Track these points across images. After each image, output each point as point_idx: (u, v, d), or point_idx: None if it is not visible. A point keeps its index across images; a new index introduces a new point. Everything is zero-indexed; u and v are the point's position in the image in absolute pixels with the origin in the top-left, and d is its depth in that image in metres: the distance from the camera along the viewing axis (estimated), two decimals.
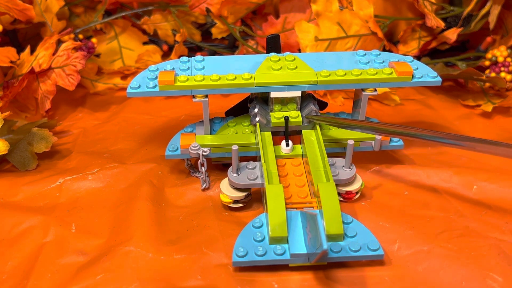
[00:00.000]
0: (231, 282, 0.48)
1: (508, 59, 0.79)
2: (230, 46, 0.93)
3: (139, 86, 0.56)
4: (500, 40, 0.84)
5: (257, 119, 0.58)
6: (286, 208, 0.49)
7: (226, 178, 0.56)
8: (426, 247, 0.51)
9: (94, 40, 0.85)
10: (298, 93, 0.58)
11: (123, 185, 0.61)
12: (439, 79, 0.59)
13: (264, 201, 0.53)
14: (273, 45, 0.62)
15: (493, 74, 0.79)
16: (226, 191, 0.55)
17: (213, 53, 0.92)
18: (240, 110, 0.64)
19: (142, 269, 0.49)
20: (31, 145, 0.65)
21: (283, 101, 0.59)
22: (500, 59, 0.79)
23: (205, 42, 0.93)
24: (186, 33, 0.88)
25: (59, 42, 0.79)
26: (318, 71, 0.58)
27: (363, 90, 0.59)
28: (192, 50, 0.94)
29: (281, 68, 0.58)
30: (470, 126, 0.74)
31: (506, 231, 0.53)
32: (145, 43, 0.91)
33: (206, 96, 0.57)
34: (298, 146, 0.59)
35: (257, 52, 0.85)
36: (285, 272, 0.48)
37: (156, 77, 0.57)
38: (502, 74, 0.79)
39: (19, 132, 0.67)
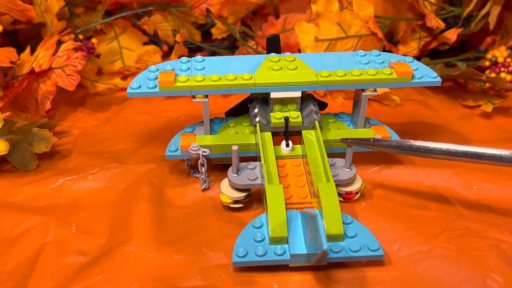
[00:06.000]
0: (231, 282, 0.48)
1: (508, 60, 0.79)
2: (230, 46, 0.93)
3: (139, 87, 0.56)
4: (500, 40, 0.84)
5: (257, 119, 0.58)
6: (286, 209, 0.49)
7: (226, 178, 0.56)
8: (426, 247, 0.51)
9: (94, 40, 0.85)
10: (298, 94, 0.58)
11: (123, 185, 0.61)
12: (439, 79, 0.59)
13: (264, 201, 0.53)
14: (273, 45, 0.62)
15: (493, 75, 0.79)
16: (226, 191, 0.55)
17: (213, 54, 0.92)
18: (240, 111, 0.64)
19: (142, 269, 0.49)
20: (31, 145, 0.65)
21: (283, 102, 0.59)
22: (500, 60, 0.79)
23: (205, 43, 0.93)
24: (186, 34, 0.88)
25: (59, 43, 0.79)
26: (318, 72, 0.58)
27: (363, 90, 0.59)
28: (192, 50, 0.94)
29: (281, 68, 0.58)
30: (470, 126, 0.74)
31: (506, 231, 0.53)
32: (145, 44, 0.92)
33: (206, 96, 0.57)
34: (298, 147, 0.59)
35: (257, 52, 0.85)
36: (285, 272, 0.48)
37: (156, 78, 0.57)
38: (502, 75, 0.79)
39: (19, 133, 0.67)
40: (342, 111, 0.66)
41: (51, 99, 0.74)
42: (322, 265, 0.49)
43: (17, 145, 0.65)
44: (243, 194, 0.55)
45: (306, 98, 0.61)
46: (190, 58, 0.61)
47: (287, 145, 0.58)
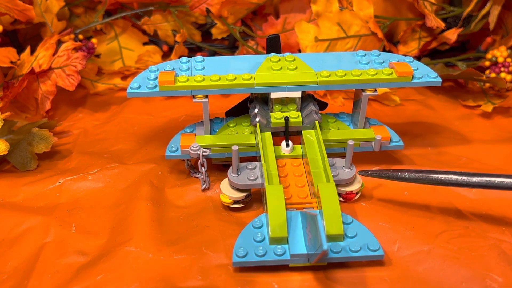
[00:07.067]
0: (231, 282, 0.48)
1: (508, 60, 0.79)
2: (230, 46, 0.93)
3: (139, 87, 0.56)
4: (500, 40, 0.84)
5: (257, 119, 0.58)
6: (286, 209, 0.49)
7: (226, 178, 0.56)
8: (426, 247, 0.51)
9: (94, 40, 0.85)
10: (298, 94, 0.58)
11: (123, 185, 0.61)
12: (439, 79, 0.59)
13: (264, 201, 0.53)
14: (273, 45, 0.62)
15: (493, 75, 0.79)
16: (226, 191, 0.55)
17: (213, 54, 0.92)
18: (240, 111, 0.64)
19: (142, 269, 0.49)
20: (31, 145, 0.65)
21: (283, 102, 0.59)
22: (500, 60, 0.79)
23: (205, 43, 0.93)
24: (186, 34, 0.88)
25: (59, 43, 0.79)
26: (318, 72, 0.58)
27: (363, 90, 0.59)
28: (192, 50, 0.94)
29: (281, 68, 0.58)
30: (470, 126, 0.74)
31: (506, 231, 0.53)
32: (145, 44, 0.91)
33: (206, 96, 0.57)
34: (298, 147, 0.59)
35: (257, 52, 0.85)
36: (285, 272, 0.48)
37: (156, 78, 0.57)
38: (502, 75, 0.79)
39: (19, 133, 0.67)
40: (342, 111, 0.66)
41: (51, 99, 0.74)
42: (322, 265, 0.49)
43: (17, 145, 0.65)
44: (243, 194, 0.55)
45: (306, 98, 0.61)
46: (190, 58, 0.60)
47: (287, 145, 0.58)
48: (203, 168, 0.58)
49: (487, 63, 0.81)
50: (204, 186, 0.60)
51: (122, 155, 0.67)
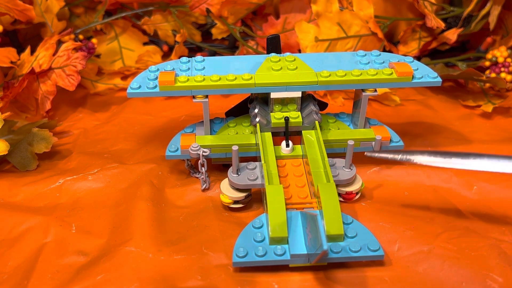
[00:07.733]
0: (231, 282, 0.48)
1: (508, 60, 0.79)
2: (230, 46, 0.93)
3: (139, 87, 0.56)
4: (500, 40, 0.84)
5: (257, 119, 0.58)
6: (286, 209, 0.49)
7: (226, 178, 0.56)
8: (426, 247, 0.51)
9: (94, 40, 0.85)
10: (298, 94, 0.58)
11: (123, 185, 0.61)
12: (439, 79, 0.59)
13: (264, 201, 0.53)
14: (273, 45, 0.62)
15: (493, 75, 0.79)
16: (226, 191, 0.55)
17: (213, 54, 0.92)
18: (240, 111, 0.64)
19: (142, 269, 0.49)
20: (32, 145, 0.65)
21: (283, 102, 0.59)
22: (500, 60, 0.79)
23: (205, 43, 0.93)
24: (186, 34, 0.88)
25: (59, 43, 0.79)
26: (318, 72, 0.58)
27: (363, 90, 0.59)
28: (192, 50, 0.94)
29: (281, 68, 0.58)
30: (470, 126, 0.74)
31: (506, 231, 0.53)
32: (145, 44, 0.92)
33: (206, 96, 0.57)
34: (298, 147, 0.59)
35: (257, 52, 0.85)
36: (285, 272, 0.49)
37: (156, 78, 0.57)
38: (502, 75, 0.79)
39: (19, 133, 0.67)
40: (342, 111, 0.66)
41: (51, 99, 0.74)
42: (322, 265, 0.49)
43: (17, 145, 0.65)
44: (243, 194, 0.55)
45: (306, 98, 0.61)
46: (190, 58, 0.61)
47: (287, 145, 0.58)
48: (203, 168, 0.58)
49: (487, 63, 0.81)
50: (204, 186, 0.60)
51: (122, 155, 0.67)
